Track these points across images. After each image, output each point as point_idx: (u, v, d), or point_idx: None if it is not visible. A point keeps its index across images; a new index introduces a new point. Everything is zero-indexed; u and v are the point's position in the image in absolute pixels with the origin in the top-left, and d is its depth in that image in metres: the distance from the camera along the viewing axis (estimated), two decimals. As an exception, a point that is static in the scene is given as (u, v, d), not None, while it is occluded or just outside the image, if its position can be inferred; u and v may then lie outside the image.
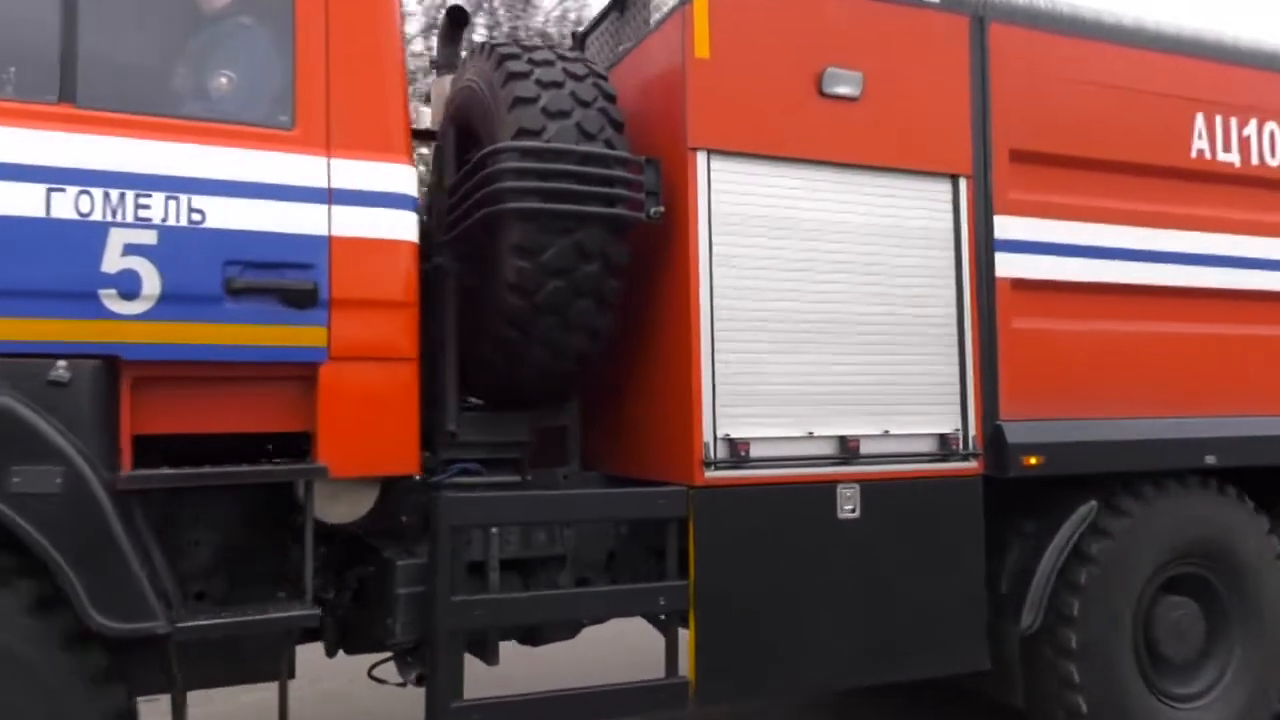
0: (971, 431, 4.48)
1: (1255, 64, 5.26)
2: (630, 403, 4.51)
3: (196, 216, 3.32)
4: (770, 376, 4.11)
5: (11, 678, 3.03)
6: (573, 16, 15.89)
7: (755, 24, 4.15)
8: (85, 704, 3.13)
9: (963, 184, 4.53)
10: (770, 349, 4.12)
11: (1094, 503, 4.64)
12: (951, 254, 4.51)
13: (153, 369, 3.32)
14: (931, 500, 4.38)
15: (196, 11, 3.59)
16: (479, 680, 3.88)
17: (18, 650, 3.04)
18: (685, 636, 3.99)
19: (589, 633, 4.46)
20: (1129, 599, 4.70)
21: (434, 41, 5.55)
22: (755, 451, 4.05)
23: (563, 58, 4.15)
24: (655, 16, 4.50)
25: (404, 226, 3.63)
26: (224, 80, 3.52)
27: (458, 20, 5.22)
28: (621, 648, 4.93)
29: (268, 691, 3.75)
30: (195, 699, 3.80)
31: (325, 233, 3.48)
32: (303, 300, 3.44)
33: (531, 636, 4.32)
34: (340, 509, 3.69)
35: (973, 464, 4.48)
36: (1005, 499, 4.58)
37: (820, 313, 4.22)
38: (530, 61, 4.04)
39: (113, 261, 3.21)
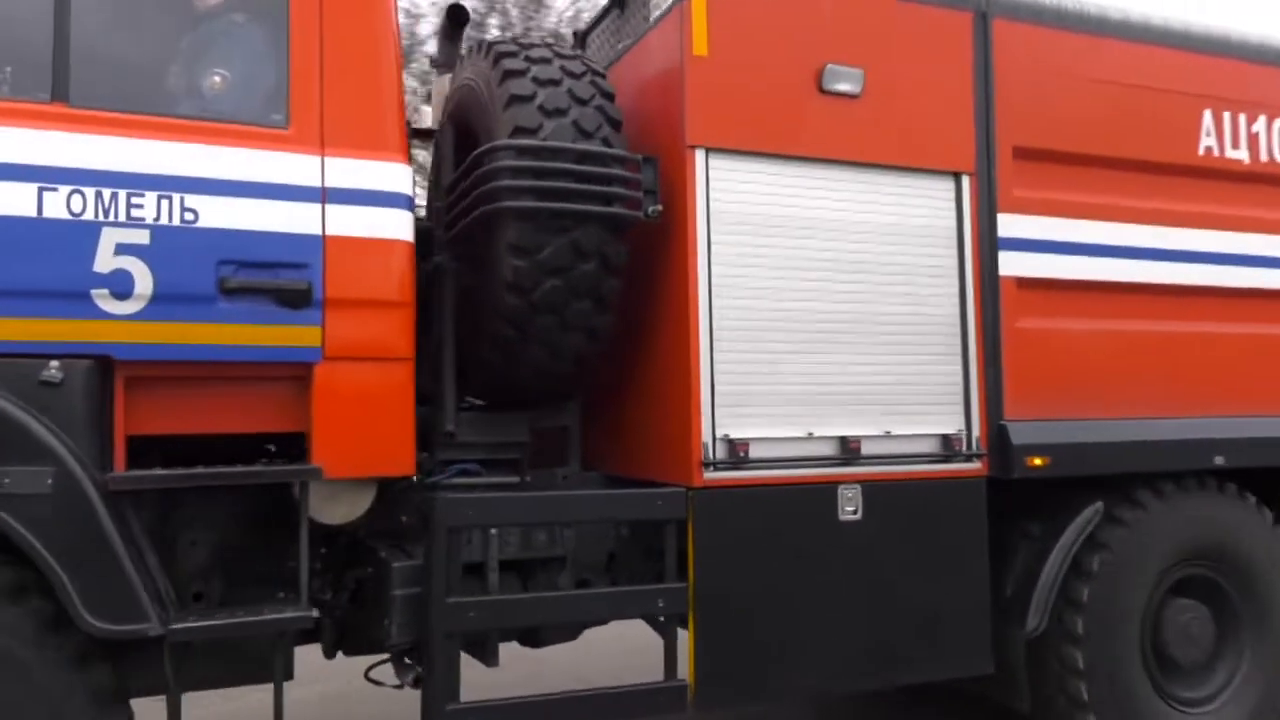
0: (975, 432, 4.43)
1: (1264, 60, 5.20)
2: (630, 403, 4.47)
3: (189, 216, 3.30)
4: (770, 376, 4.07)
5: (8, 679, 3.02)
6: (586, 17, 15.87)
7: (754, 20, 4.12)
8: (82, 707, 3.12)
9: (966, 182, 4.49)
10: (770, 348, 4.08)
11: (1100, 504, 4.59)
12: (954, 252, 4.47)
13: (146, 369, 3.31)
14: (934, 502, 4.33)
15: (190, 10, 3.58)
16: (479, 682, 3.85)
17: (16, 652, 3.03)
18: (685, 639, 3.96)
19: (590, 634, 4.43)
20: (1136, 602, 4.64)
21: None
22: (755, 452, 4.01)
23: (560, 55, 4.12)
24: (655, 14, 4.47)
25: (399, 226, 3.61)
26: (217, 79, 3.50)
27: (458, 19, 5.19)
28: (624, 650, 4.89)
29: (267, 693, 3.72)
30: (193, 701, 3.79)
31: (319, 232, 3.46)
32: (297, 300, 3.42)
33: (532, 638, 4.29)
34: (337, 510, 3.67)
35: (976, 465, 4.43)
36: (1010, 500, 4.53)
37: (821, 312, 4.18)
38: (527, 59, 4.02)
39: (105, 261, 3.19)
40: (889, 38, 4.36)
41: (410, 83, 5.60)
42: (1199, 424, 4.78)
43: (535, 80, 3.95)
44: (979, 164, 4.52)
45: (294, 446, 3.58)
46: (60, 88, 3.23)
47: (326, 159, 3.50)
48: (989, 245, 4.52)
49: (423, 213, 4.75)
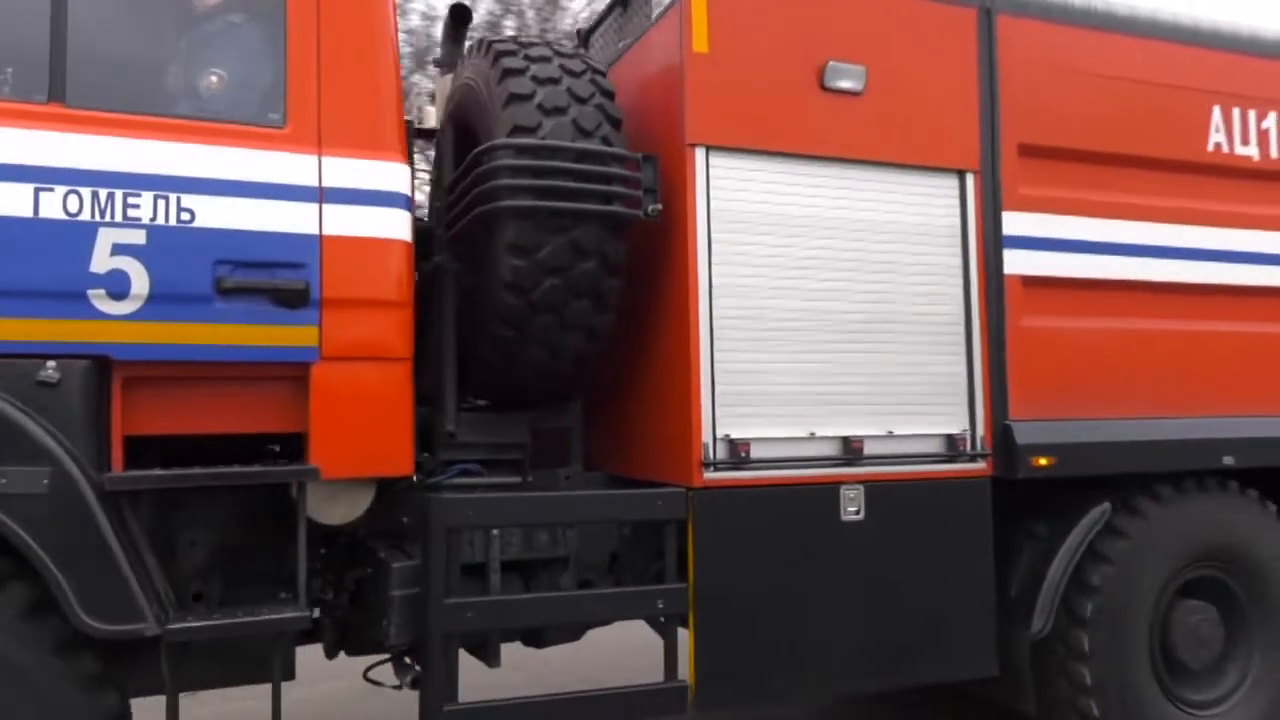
0: (979, 432, 4.40)
1: (1275, 55, 5.13)
2: (631, 403, 4.45)
3: (186, 216, 3.29)
4: (771, 376, 4.05)
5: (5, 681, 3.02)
6: (602, 18, 15.85)
7: (755, 17, 4.10)
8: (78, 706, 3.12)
9: (970, 179, 4.45)
10: (771, 348, 4.05)
11: (1107, 505, 4.55)
12: (958, 251, 4.43)
13: (144, 369, 3.30)
14: (938, 502, 4.30)
15: (187, 9, 3.58)
16: (480, 683, 3.84)
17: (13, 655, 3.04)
18: (685, 640, 3.93)
19: (594, 634, 4.41)
20: (1144, 604, 4.59)
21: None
22: (756, 452, 3.98)
23: (560, 54, 4.10)
24: (656, 11, 4.45)
25: (397, 225, 3.59)
26: (214, 78, 3.50)
27: (461, 19, 5.18)
28: (628, 650, 4.87)
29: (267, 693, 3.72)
30: (195, 701, 3.79)
31: (316, 232, 3.45)
32: (294, 300, 3.41)
33: (535, 638, 4.28)
34: (336, 510, 3.66)
35: (981, 465, 4.39)
36: (1014, 500, 4.49)
37: (823, 311, 4.15)
38: (526, 58, 4.00)
39: (101, 261, 3.19)
40: (892, 34, 4.33)
41: (429, 85, 5.60)
42: (1207, 424, 4.73)
43: (534, 79, 3.93)
44: (984, 161, 4.48)
45: (297, 447, 3.57)
46: (57, 88, 3.23)
47: (324, 158, 3.49)
48: (993, 243, 4.49)
49: (426, 213, 4.76)
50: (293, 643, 3.80)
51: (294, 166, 3.45)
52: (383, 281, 3.57)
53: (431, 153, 5.91)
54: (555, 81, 3.95)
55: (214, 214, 3.33)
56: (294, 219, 3.43)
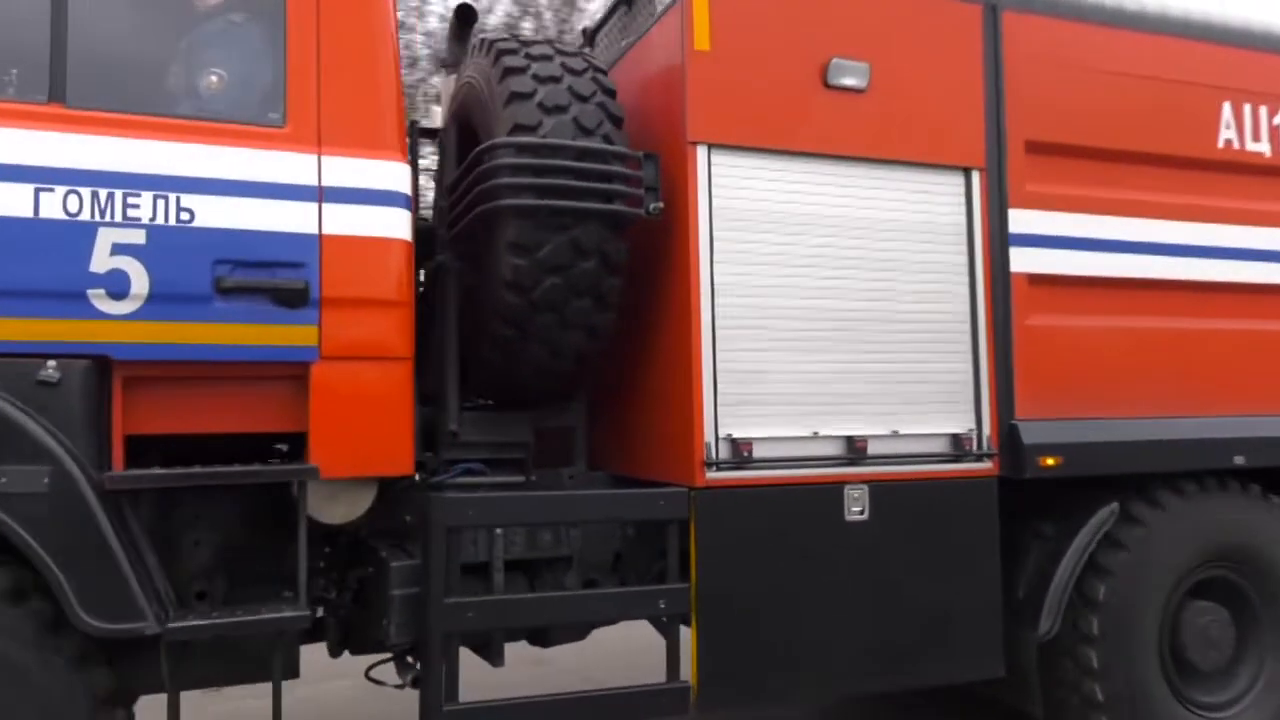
0: (986, 431, 4.36)
1: (1287, 50, 5.08)
2: (633, 402, 4.44)
3: (185, 215, 3.30)
4: (774, 375, 4.03)
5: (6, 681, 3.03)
6: (620, 19, 15.83)
7: (757, 14, 4.07)
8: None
9: (975, 177, 4.41)
10: (774, 347, 4.03)
11: (1116, 505, 4.50)
12: (964, 249, 4.40)
13: (144, 369, 3.31)
14: (944, 502, 4.26)
15: (187, 10, 3.58)
16: (484, 682, 3.84)
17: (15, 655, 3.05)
18: (688, 640, 3.92)
19: (599, 634, 4.40)
20: (1154, 604, 4.53)
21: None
22: (758, 452, 3.96)
23: (561, 52, 4.10)
24: (660, 7, 4.43)
25: (397, 224, 3.59)
26: (214, 78, 3.51)
27: (466, 19, 5.18)
28: (633, 649, 4.85)
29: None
30: (197, 701, 3.80)
31: (316, 231, 3.45)
32: (293, 299, 3.41)
33: (540, 638, 4.27)
34: (337, 509, 3.66)
35: (987, 465, 4.35)
36: (1021, 500, 4.46)
37: (826, 310, 4.13)
38: (527, 56, 3.99)
39: (101, 261, 3.20)
40: (896, 31, 4.30)
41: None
42: (1217, 423, 4.68)
43: (535, 77, 3.93)
44: (989, 159, 4.45)
45: (303, 446, 3.57)
46: (57, 89, 3.24)
47: (323, 158, 3.49)
48: (1000, 241, 4.45)
49: (431, 212, 4.76)
50: (296, 642, 3.81)
51: (294, 166, 3.45)
52: (382, 281, 3.57)
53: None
54: (556, 80, 3.94)
55: (214, 213, 3.33)
56: (294, 218, 3.43)
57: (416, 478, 3.97)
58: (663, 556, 3.98)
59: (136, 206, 3.25)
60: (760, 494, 3.97)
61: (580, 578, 4.13)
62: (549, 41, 4.22)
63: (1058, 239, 4.54)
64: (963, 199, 4.40)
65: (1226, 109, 4.89)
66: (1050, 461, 4.38)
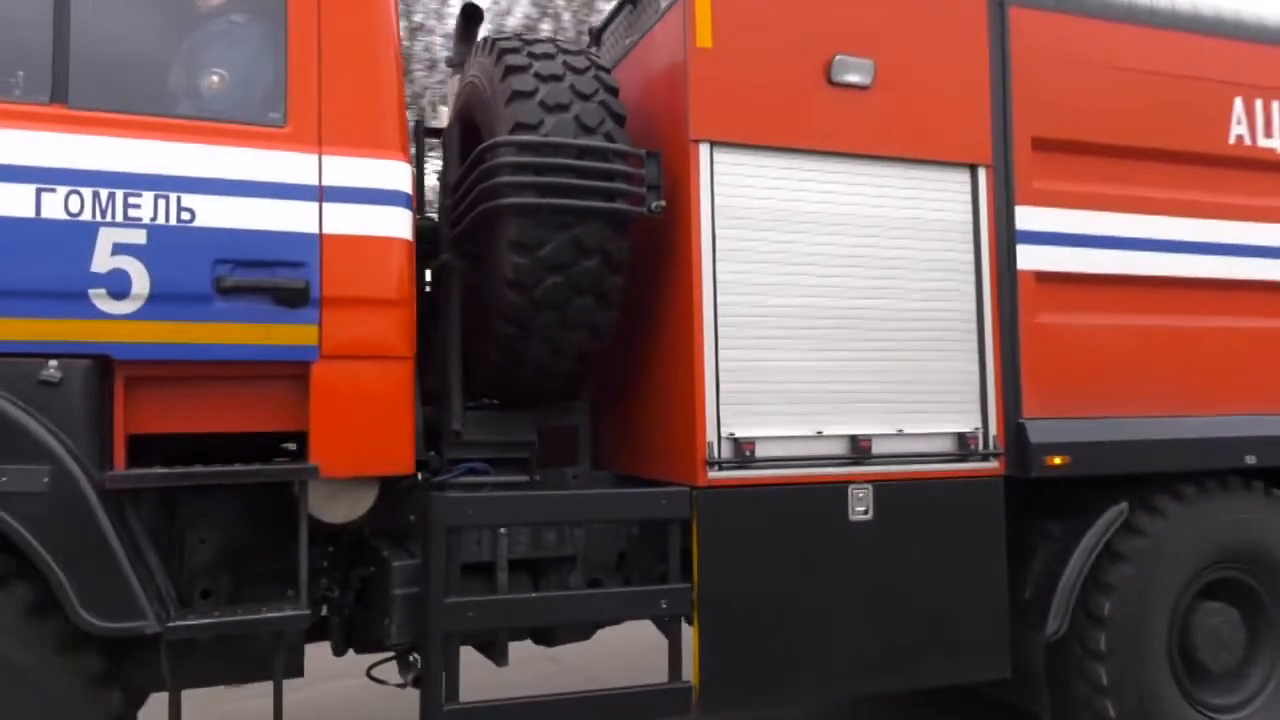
0: (992, 430, 4.32)
1: (1301, 45, 5.02)
2: (636, 401, 4.43)
3: (186, 215, 3.31)
4: (777, 374, 4.00)
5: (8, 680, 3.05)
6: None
7: (760, 11, 4.05)
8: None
9: (982, 174, 4.38)
10: (777, 346, 4.01)
11: (1125, 505, 4.46)
12: (970, 246, 4.36)
13: (145, 369, 3.32)
14: (950, 501, 4.23)
15: (189, 10, 3.59)
16: (487, 682, 3.83)
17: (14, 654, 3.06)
18: (690, 640, 3.90)
19: (604, 633, 4.39)
20: (1163, 605, 4.49)
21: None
22: (761, 451, 3.94)
23: (563, 50, 4.08)
24: (664, 4, 4.41)
25: (397, 224, 3.58)
26: (215, 78, 3.51)
27: (472, 19, 5.18)
28: (638, 649, 4.84)
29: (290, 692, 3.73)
30: (199, 701, 3.81)
31: (316, 230, 3.45)
32: (294, 299, 3.41)
33: (544, 637, 4.27)
34: (338, 509, 3.66)
35: (993, 464, 4.32)
36: (1029, 500, 4.42)
37: (830, 308, 4.10)
38: (529, 55, 3.99)
39: (102, 261, 3.21)
40: (901, 27, 4.27)
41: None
42: (1228, 422, 4.63)
43: (537, 75, 3.92)
44: (996, 155, 4.41)
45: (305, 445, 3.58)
46: (60, 89, 3.25)
47: (324, 157, 3.49)
48: (1006, 239, 4.41)
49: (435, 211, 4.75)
50: (300, 640, 3.81)
51: (294, 165, 3.45)
52: (383, 280, 3.56)
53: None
54: (558, 78, 3.93)
55: (214, 213, 3.34)
56: (294, 218, 3.43)
57: (419, 477, 3.97)
58: (665, 556, 3.97)
59: (138, 206, 3.25)
60: (763, 493, 3.95)
61: (585, 577, 4.12)
62: (551, 39, 4.21)
63: (1065, 236, 4.50)
64: (969, 196, 4.37)
65: (1238, 104, 4.84)
66: (1057, 461, 4.34)
